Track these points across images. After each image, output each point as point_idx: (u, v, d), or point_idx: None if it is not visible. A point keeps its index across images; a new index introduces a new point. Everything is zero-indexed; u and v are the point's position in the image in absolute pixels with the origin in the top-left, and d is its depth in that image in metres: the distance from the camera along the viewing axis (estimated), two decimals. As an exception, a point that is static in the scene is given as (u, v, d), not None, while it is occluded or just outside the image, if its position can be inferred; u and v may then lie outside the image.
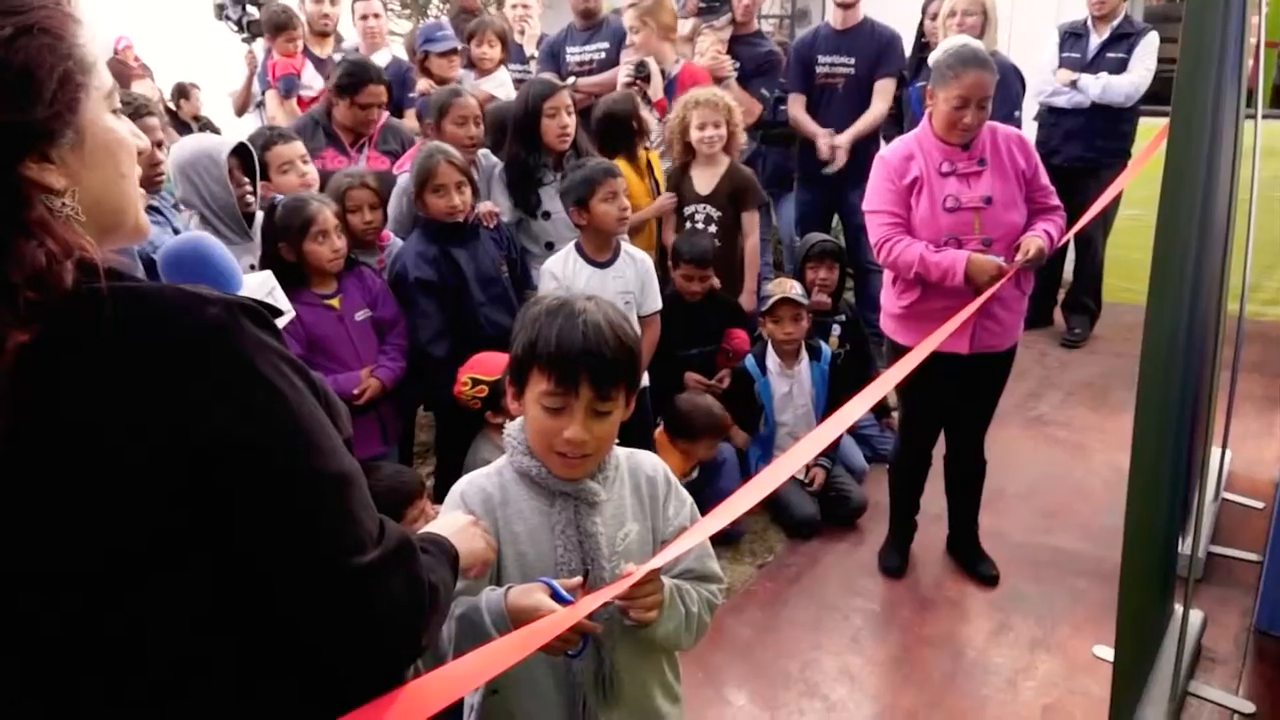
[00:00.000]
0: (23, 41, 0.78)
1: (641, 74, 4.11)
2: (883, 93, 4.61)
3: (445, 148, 3.08)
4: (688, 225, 3.82)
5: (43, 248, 0.79)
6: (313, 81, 4.80)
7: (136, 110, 2.59)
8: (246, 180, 2.82)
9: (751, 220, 3.89)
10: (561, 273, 3.07)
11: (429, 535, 1.19)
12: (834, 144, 4.54)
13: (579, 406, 1.39)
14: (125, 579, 0.85)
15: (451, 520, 1.36)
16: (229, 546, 0.88)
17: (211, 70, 5.29)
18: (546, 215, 3.42)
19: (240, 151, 2.82)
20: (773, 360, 3.58)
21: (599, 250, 3.10)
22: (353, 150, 3.72)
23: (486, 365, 2.81)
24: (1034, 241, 2.71)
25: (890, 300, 2.98)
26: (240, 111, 5.34)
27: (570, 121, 3.41)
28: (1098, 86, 4.82)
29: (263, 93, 4.97)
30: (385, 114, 3.85)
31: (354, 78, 3.66)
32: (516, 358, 1.44)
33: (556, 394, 1.39)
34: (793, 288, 3.54)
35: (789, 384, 3.59)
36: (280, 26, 4.77)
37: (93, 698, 0.88)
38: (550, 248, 3.35)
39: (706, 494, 3.37)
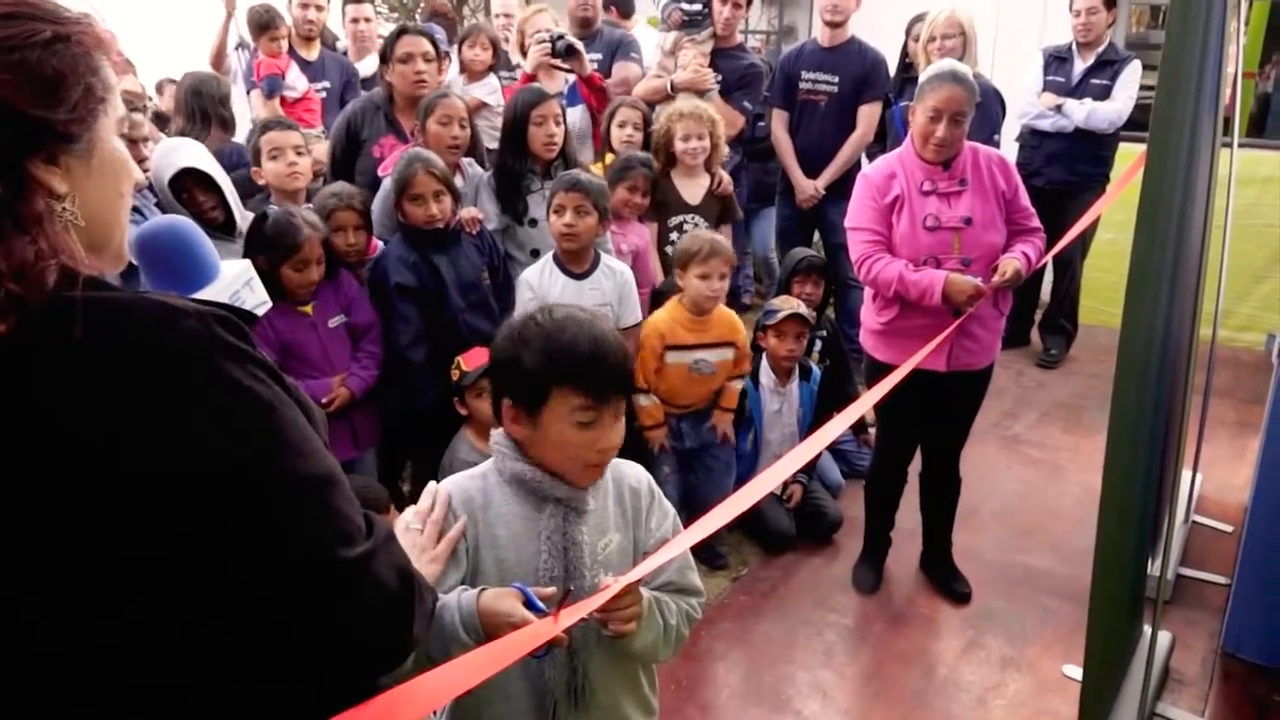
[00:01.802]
0: (59, 47, 0.84)
1: (562, 47, 3.87)
2: (866, 117, 4.65)
3: (426, 156, 3.06)
4: (673, 235, 3.82)
5: (34, 244, 0.81)
6: (297, 82, 4.75)
7: (129, 106, 2.57)
8: (206, 198, 2.78)
9: (727, 232, 3.93)
10: (538, 283, 3.07)
11: None
12: (815, 189, 4.64)
13: (609, 415, 1.42)
14: (117, 586, 0.85)
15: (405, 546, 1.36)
16: (220, 553, 0.88)
17: (195, 66, 5.20)
18: (533, 223, 3.41)
19: (200, 170, 2.78)
20: (766, 376, 3.57)
21: (576, 261, 3.09)
22: (412, 138, 3.62)
23: (474, 357, 2.87)
24: (1011, 263, 2.74)
25: (870, 316, 3.00)
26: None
27: (558, 130, 3.39)
28: (1082, 112, 4.88)
29: (248, 93, 4.92)
30: (444, 79, 3.79)
31: (390, 37, 3.66)
32: (531, 376, 1.41)
33: (591, 408, 1.40)
34: (799, 304, 3.53)
35: (780, 402, 3.59)
36: (264, 26, 4.72)
37: (85, 705, 0.87)
38: (536, 255, 3.34)
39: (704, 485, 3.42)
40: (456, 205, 3.11)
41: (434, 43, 3.68)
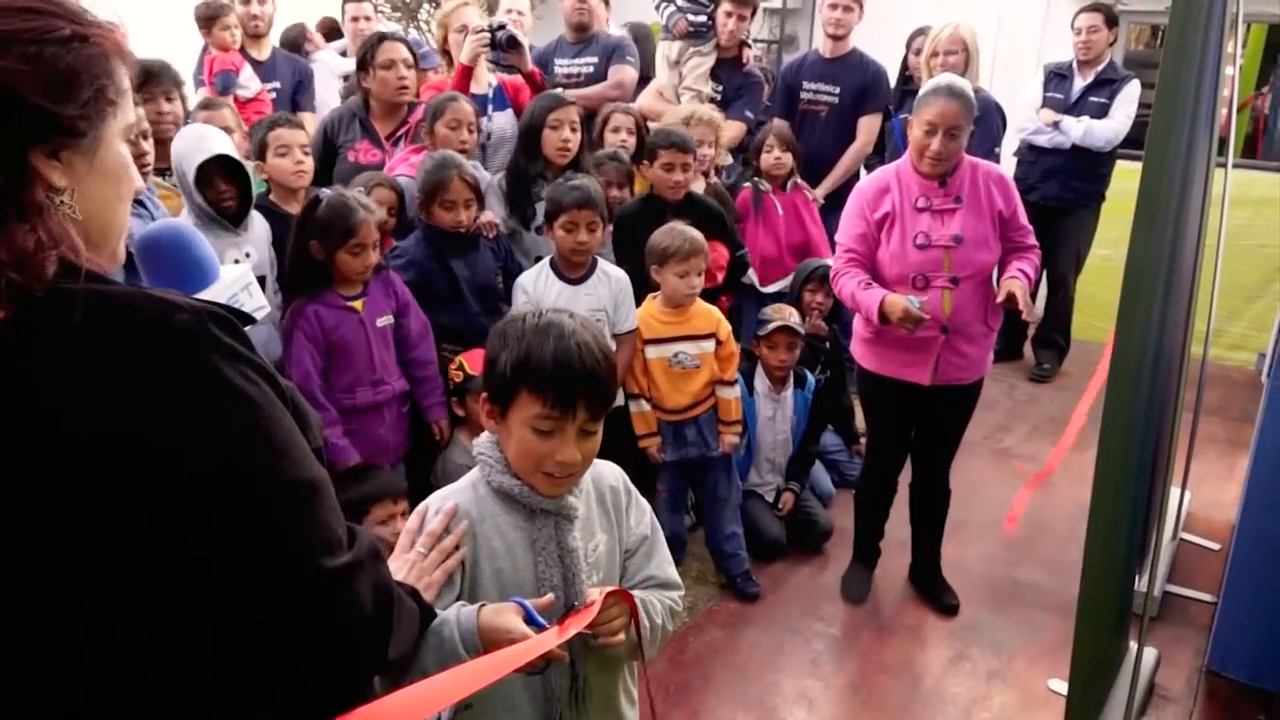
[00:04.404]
0: (76, 46, 0.86)
1: (503, 39, 3.61)
2: (865, 129, 4.66)
3: (459, 161, 3.04)
4: None
5: (34, 233, 0.82)
6: (249, 82, 4.65)
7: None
8: (229, 187, 2.75)
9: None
10: (532, 288, 3.05)
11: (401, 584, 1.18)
12: (814, 199, 4.64)
13: (571, 429, 1.38)
14: (89, 583, 0.84)
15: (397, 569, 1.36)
16: (199, 550, 0.87)
17: (190, 56, 5.14)
18: (540, 230, 3.37)
19: (232, 158, 2.76)
20: (761, 382, 3.57)
21: (572, 267, 3.10)
22: (388, 144, 3.64)
23: (478, 359, 2.80)
24: (1014, 284, 2.74)
25: (859, 325, 3.03)
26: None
27: (573, 137, 3.35)
28: (1079, 129, 4.91)
29: (196, 89, 4.76)
30: (418, 102, 3.71)
31: (369, 44, 3.64)
32: (501, 376, 1.40)
33: (551, 417, 1.37)
34: (791, 315, 3.52)
35: (774, 408, 3.59)
36: (210, 19, 4.60)
37: (56, 699, 0.86)
38: (539, 261, 3.34)
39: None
40: (480, 211, 3.12)
41: (411, 49, 3.66)
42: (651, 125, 3.91)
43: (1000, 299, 2.76)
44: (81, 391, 0.82)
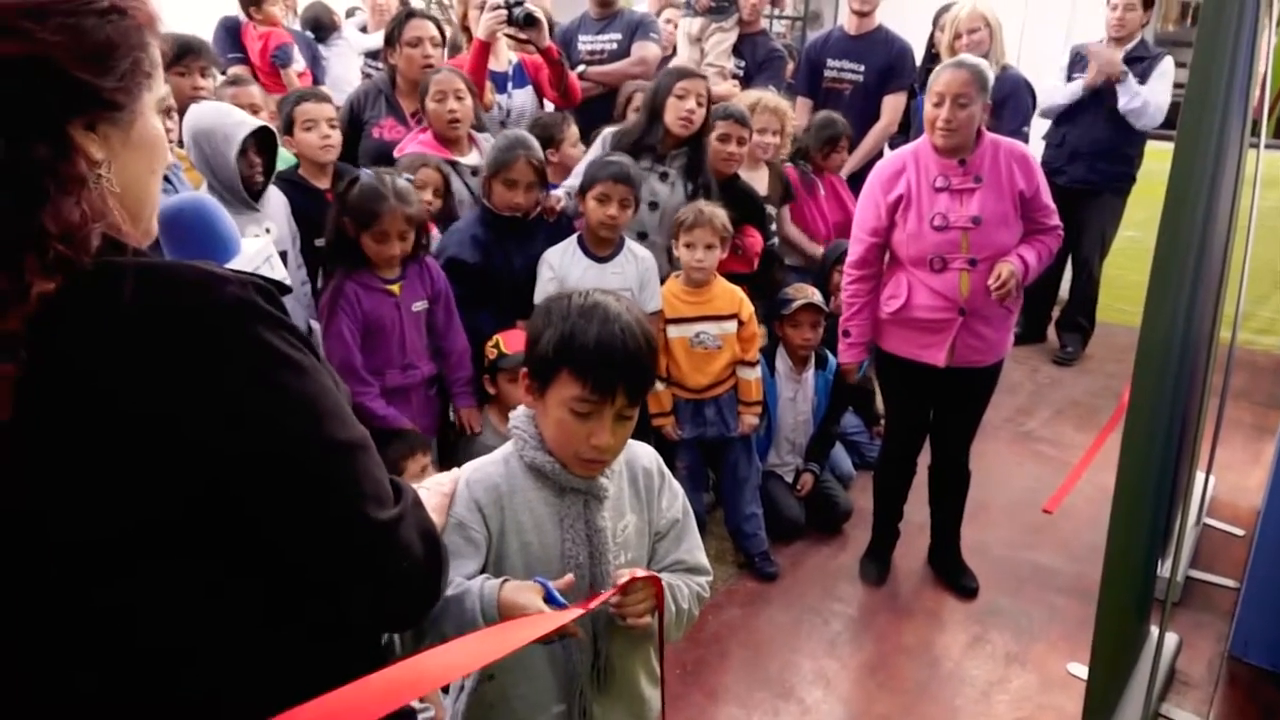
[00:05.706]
0: (114, 18, 0.86)
1: (520, 15, 3.56)
2: (890, 108, 4.61)
3: (530, 142, 3.02)
4: None
5: (79, 205, 0.82)
6: (300, 56, 4.68)
7: None
8: (259, 161, 2.75)
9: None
10: (558, 264, 3.05)
11: None
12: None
13: (609, 413, 1.39)
14: (147, 546, 0.86)
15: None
16: (252, 514, 0.89)
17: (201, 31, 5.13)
18: (653, 206, 3.32)
19: (262, 128, 2.76)
20: (783, 363, 3.56)
21: (599, 244, 3.09)
22: (412, 120, 3.64)
23: (515, 339, 2.83)
24: (1005, 267, 2.73)
25: (879, 306, 3.00)
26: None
27: (698, 111, 3.26)
28: (1139, 100, 4.69)
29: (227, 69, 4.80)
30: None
31: (396, 20, 3.63)
32: (543, 355, 1.40)
33: (589, 400, 1.37)
34: (814, 294, 3.50)
35: (795, 389, 3.58)
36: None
37: (107, 664, 0.89)
38: (643, 237, 3.29)
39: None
40: (544, 193, 3.10)
41: (440, 27, 3.65)
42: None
43: (990, 280, 2.74)
44: (135, 364, 0.83)
